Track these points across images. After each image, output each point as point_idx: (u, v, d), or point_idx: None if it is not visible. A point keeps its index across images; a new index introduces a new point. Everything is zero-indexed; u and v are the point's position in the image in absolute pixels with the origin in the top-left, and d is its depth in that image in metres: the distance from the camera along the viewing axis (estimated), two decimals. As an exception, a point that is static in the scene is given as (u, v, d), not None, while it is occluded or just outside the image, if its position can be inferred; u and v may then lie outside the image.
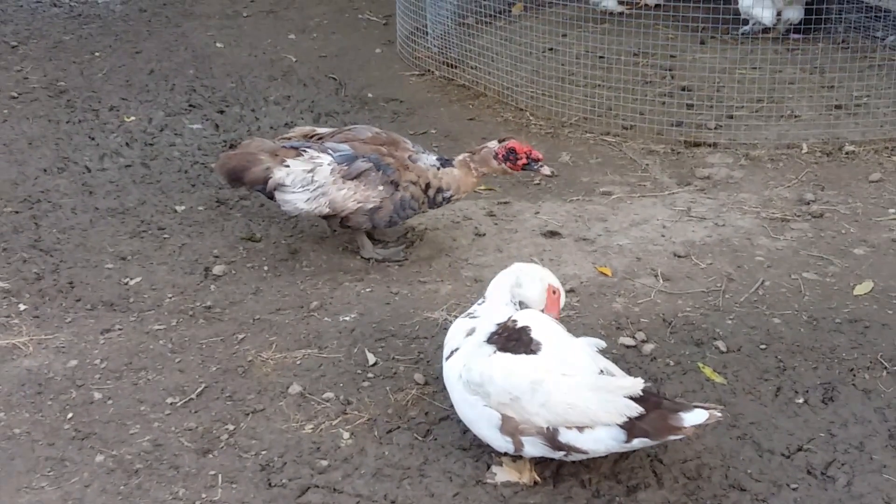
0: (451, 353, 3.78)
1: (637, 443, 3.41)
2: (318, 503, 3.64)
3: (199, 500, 3.66)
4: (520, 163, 5.00)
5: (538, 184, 6.14)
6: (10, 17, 9.50)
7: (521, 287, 3.85)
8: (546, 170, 5.07)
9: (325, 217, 5.16)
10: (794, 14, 8.07)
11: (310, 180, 4.99)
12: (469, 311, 3.95)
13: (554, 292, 3.89)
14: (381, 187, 5.01)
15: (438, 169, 5.10)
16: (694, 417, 3.35)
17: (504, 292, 3.85)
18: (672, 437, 3.42)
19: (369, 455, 3.87)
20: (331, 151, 5.04)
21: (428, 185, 5.07)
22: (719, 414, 3.37)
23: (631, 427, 3.38)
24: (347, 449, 3.91)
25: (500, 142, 5.06)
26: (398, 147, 5.14)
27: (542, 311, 3.84)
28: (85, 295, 5.02)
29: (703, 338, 4.56)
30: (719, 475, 3.72)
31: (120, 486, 3.73)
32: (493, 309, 3.82)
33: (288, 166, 4.99)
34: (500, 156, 5.00)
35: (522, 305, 3.88)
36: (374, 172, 5.00)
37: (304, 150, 5.04)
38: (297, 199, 5.02)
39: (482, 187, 6.06)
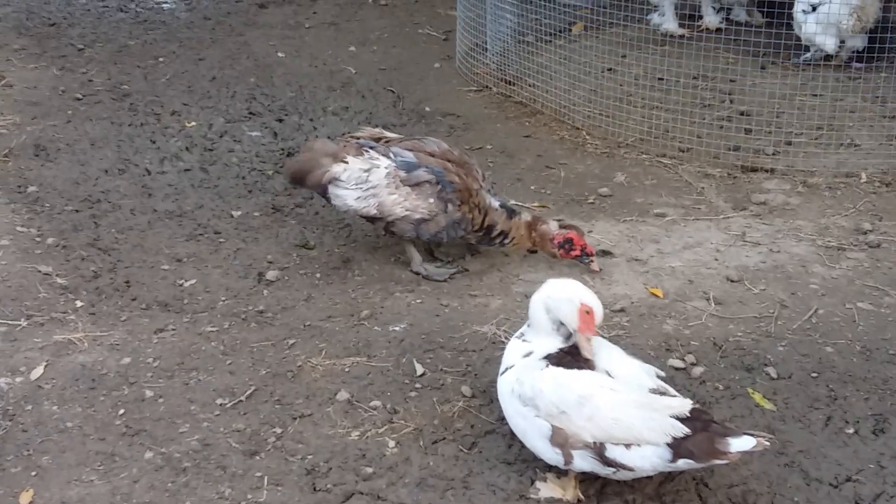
0: (506, 369, 3.79)
1: (682, 463, 3.39)
2: (362, 510, 3.67)
3: (244, 500, 3.71)
4: (573, 253, 5.17)
5: (592, 203, 6.14)
6: (77, 20, 9.68)
7: (551, 311, 3.74)
8: (595, 266, 5.23)
9: (371, 219, 5.17)
10: (858, 42, 7.98)
11: (364, 179, 5.05)
12: (521, 331, 3.92)
13: (588, 312, 3.68)
14: (431, 200, 5.04)
15: (504, 214, 5.18)
16: (741, 444, 3.31)
17: (542, 319, 3.77)
18: (717, 462, 3.39)
19: (414, 465, 3.89)
20: (392, 156, 5.09)
21: (486, 221, 5.14)
22: (767, 443, 3.33)
23: (677, 447, 3.36)
24: (393, 457, 3.93)
25: (561, 227, 5.17)
26: (469, 173, 5.16)
27: (576, 329, 3.69)
28: (140, 294, 5.10)
29: (754, 363, 4.52)
30: (765, 502, 3.69)
31: (168, 484, 3.79)
32: (539, 337, 3.80)
33: (347, 163, 5.07)
34: (556, 241, 5.15)
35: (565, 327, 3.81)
36: (431, 186, 5.04)
37: (368, 150, 5.12)
38: (347, 196, 5.08)
39: (535, 203, 6.08)
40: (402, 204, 5.05)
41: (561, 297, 3.73)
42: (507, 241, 5.22)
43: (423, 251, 5.43)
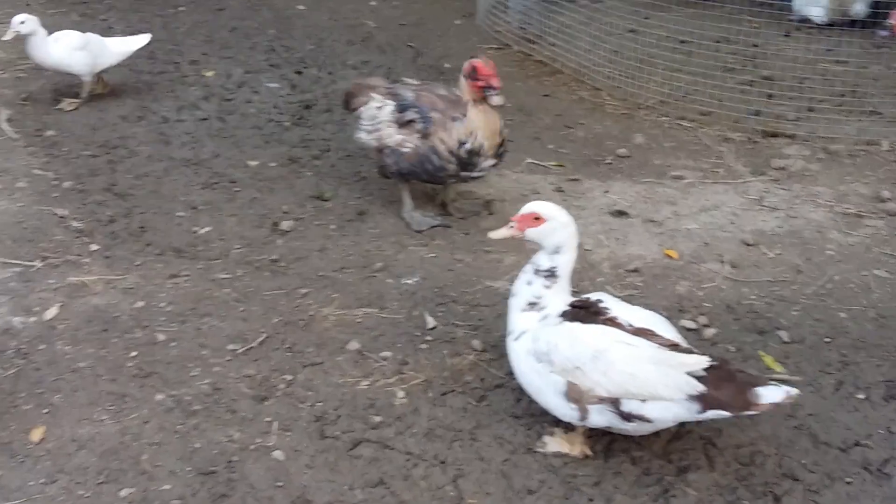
0: (521, 334, 3.73)
1: (711, 414, 3.36)
2: (370, 457, 3.67)
3: (253, 444, 3.72)
4: (478, 84, 4.90)
5: (609, 163, 6.10)
6: (99, -33, 9.64)
7: (545, 238, 3.74)
8: (496, 100, 4.92)
9: (376, 151, 5.35)
10: (859, 7, 7.99)
11: (374, 116, 5.26)
12: (530, 302, 3.77)
13: (536, 219, 3.73)
14: (416, 135, 5.12)
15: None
16: (771, 395, 3.29)
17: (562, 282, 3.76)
18: (748, 413, 3.35)
19: (422, 415, 3.90)
20: (400, 97, 5.23)
21: (459, 142, 5.02)
22: (795, 392, 3.29)
23: (704, 399, 3.33)
24: (401, 407, 3.94)
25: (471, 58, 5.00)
26: (457, 107, 5.08)
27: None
28: (155, 240, 5.11)
29: (767, 327, 4.50)
30: (773, 463, 3.69)
31: (177, 425, 3.81)
32: (556, 295, 3.75)
33: (370, 102, 5.33)
34: (465, 72, 4.93)
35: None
36: (419, 123, 5.10)
37: (382, 93, 5.35)
38: (362, 131, 5.33)
39: (552, 162, 6.05)
40: (394, 139, 5.17)
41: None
42: (467, 145, 4.98)
43: (437, 205, 5.45)
